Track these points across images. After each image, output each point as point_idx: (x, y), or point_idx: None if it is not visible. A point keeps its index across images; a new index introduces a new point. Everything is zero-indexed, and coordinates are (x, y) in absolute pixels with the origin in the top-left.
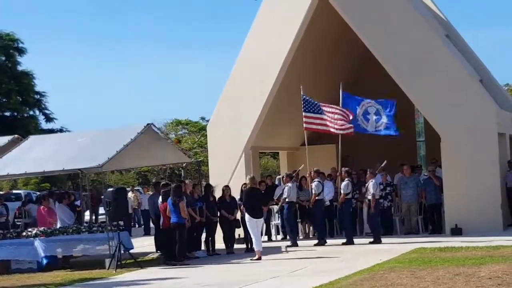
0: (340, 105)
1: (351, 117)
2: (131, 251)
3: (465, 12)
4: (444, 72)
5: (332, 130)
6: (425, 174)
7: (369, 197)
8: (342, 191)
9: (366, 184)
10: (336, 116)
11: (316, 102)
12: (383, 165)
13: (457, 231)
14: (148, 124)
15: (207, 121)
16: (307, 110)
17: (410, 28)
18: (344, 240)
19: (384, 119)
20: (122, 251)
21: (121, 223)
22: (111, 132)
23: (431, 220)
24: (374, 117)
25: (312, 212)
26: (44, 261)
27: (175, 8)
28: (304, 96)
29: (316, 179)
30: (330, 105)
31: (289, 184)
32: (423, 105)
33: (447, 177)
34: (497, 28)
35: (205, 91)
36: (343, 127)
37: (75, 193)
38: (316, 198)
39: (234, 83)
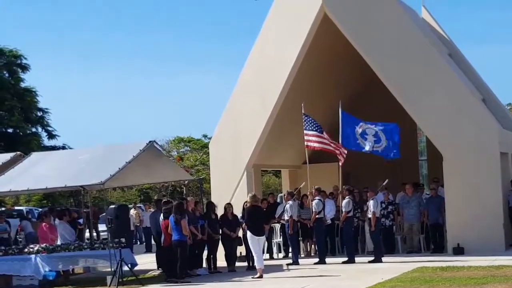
0: (340, 123)
1: (343, 150)
2: (135, 268)
3: (468, 30)
4: (447, 91)
5: (331, 148)
6: (427, 193)
7: (370, 215)
8: (343, 209)
9: (368, 202)
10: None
11: (316, 122)
12: (384, 183)
13: (459, 251)
14: (150, 141)
15: (209, 138)
16: (308, 129)
17: (413, 47)
18: (346, 259)
19: (384, 143)
20: (127, 268)
21: (123, 240)
22: (113, 149)
23: (433, 239)
24: (373, 139)
25: (313, 230)
26: (46, 277)
27: (178, 25)
28: (305, 115)
29: (316, 197)
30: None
31: (290, 202)
32: (425, 124)
33: (449, 196)
34: (500, 46)
35: (207, 108)
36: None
37: (78, 210)
38: (317, 216)
39: (236, 101)
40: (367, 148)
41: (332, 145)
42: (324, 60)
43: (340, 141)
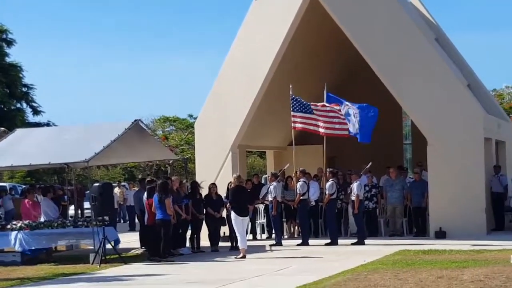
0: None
1: (342, 117)
2: (118, 245)
3: (455, 16)
4: (433, 76)
5: (321, 130)
6: (411, 177)
7: (353, 198)
8: (327, 192)
9: (351, 185)
10: (331, 114)
11: (305, 102)
12: (368, 166)
13: (441, 234)
14: (135, 120)
15: (195, 118)
16: (295, 110)
17: (400, 31)
18: (328, 241)
19: (357, 124)
20: (110, 246)
21: (106, 218)
22: (98, 128)
23: (416, 223)
24: (354, 119)
25: (297, 212)
26: (28, 254)
27: (165, 5)
28: (293, 96)
29: (301, 179)
30: (325, 104)
31: (274, 183)
32: (410, 108)
33: (433, 181)
34: (486, 33)
35: (194, 88)
36: (337, 127)
37: (62, 187)
38: (301, 198)
39: (222, 82)
40: (351, 130)
41: (328, 122)
42: (311, 43)
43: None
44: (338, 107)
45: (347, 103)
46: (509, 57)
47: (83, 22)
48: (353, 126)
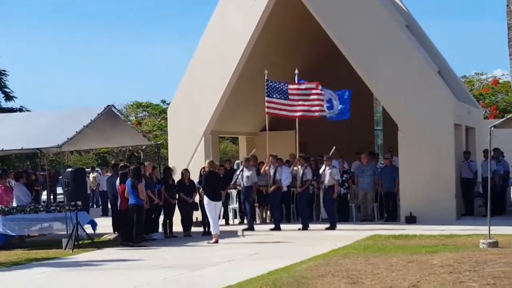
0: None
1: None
2: (97, 228)
3: (426, 3)
4: (403, 62)
5: (297, 114)
6: (382, 162)
7: (328, 183)
8: (306, 177)
9: (322, 171)
10: (310, 95)
11: (281, 85)
12: (332, 150)
13: (411, 219)
14: (108, 105)
15: (168, 104)
16: (270, 95)
17: (371, 17)
18: (300, 226)
19: (337, 109)
20: (87, 229)
21: (79, 203)
22: (71, 113)
23: (387, 208)
24: (327, 104)
25: (270, 197)
26: (0, 239)
27: None
28: (268, 81)
29: (275, 165)
30: (300, 85)
31: (248, 169)
32: (381, 94)
33: (403, 166)
34: (457, 20)
35: (167, 74)
36: (315, 109)
37: (36, 172)
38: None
39: (196, 67)
40: (325, 114)
41: (305, 105)
42: (283, 29)
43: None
44: (314, 85)
45: (321, 90)
46: (479, 44)
47: (57, 7)
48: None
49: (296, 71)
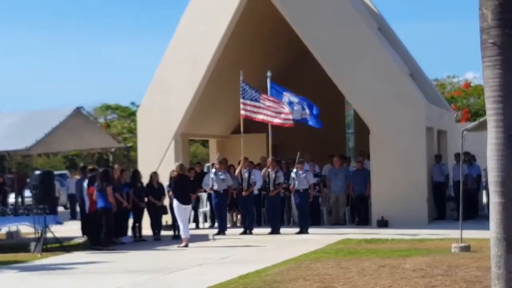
0: (268, 93)
1: (286, 109)
2: (60, 226)
3: (398, 6)
4: (375, 65)
5: (270, 119)
6: (353, 166)
7: (302, 186)
8: (279, 180)
9: (293, 174)
10: (276, 106)
11: (254, 90)
12: (298, 157)
13: (383, 223)
14: (77, 107)
15: (137, 106)
16: (245, 97)
17: (342, 19)
18: (270, 229)
19: (308, 111)
20: (51, 235)
21: (47, 206)
22: (39, 114)
23: (358, 212)
24: (298, 106)
25: (242, 201)
26: None
27: None
28: (243, 83)
29: (247, 168)
30: (269, 97)
31: (223, 172)
32: (353, 97)
33: (375, 170)
34: (428, 23)
35: (136, 75)
36: (282, 118)
37: (3, 175)
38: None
39: (165, 69)
40: (295, 117)
41: (274, 114)
42: (255, 31)
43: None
44: (278, 102)
45: (287, 93)
46: (450, 47)
47: (25, 5)
48: (298, 112)
49: (268, 73)
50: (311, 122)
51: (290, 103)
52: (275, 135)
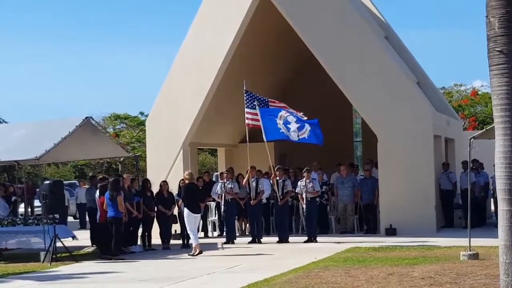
0: (260, 117)
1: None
2: (72, 239)
3: (405, 14)
4: (382, 73)
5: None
6: (362, 174)
7: (309, 195)
8: (287, 189)
9: (301, 183)
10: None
11: (260, 97)
12: (304, 171)
13: (391, 231)
14: (86, 117)
15: (146, 116)
16: (249, 106)
17: (350, 28)
18: (279, 238)
19: (308, 127)
20: (61, 244)
21: (57, 216)
22: (48, 125)
23: (367, 220)
24: (296, 125)
25: (250, 209)
26: None
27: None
28: (247, 92)
29: (255, 177)
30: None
31: (230, 182)
32: (360, 106)
33: (383, 178)
34: (436, 31)
35: (145, 85)
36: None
37: (12, 185)
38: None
39: (174, 78)
40: (292, 138)
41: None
42: (263, 41)
43: (263, 136)
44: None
45: (287, 112)
46: (458, 55)
47: (32, 14)
48: (295, 133)
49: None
50: (309, 140)
51: (286, 123)
52: (282, 144)
